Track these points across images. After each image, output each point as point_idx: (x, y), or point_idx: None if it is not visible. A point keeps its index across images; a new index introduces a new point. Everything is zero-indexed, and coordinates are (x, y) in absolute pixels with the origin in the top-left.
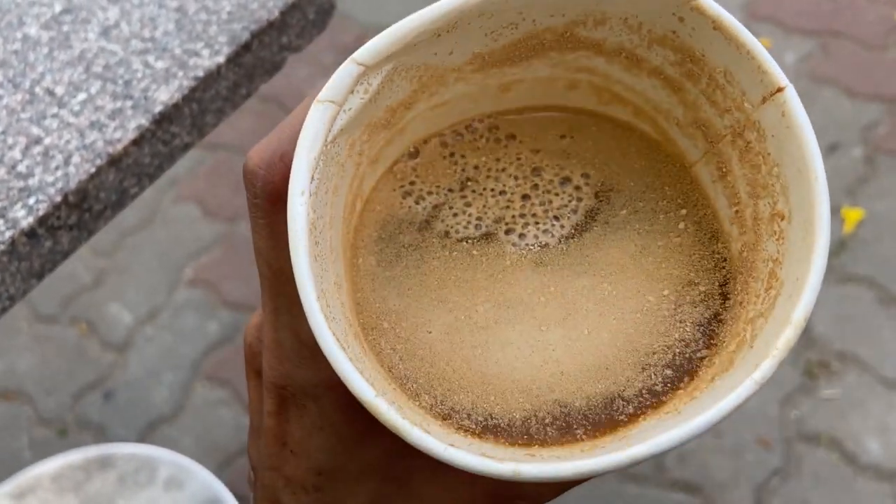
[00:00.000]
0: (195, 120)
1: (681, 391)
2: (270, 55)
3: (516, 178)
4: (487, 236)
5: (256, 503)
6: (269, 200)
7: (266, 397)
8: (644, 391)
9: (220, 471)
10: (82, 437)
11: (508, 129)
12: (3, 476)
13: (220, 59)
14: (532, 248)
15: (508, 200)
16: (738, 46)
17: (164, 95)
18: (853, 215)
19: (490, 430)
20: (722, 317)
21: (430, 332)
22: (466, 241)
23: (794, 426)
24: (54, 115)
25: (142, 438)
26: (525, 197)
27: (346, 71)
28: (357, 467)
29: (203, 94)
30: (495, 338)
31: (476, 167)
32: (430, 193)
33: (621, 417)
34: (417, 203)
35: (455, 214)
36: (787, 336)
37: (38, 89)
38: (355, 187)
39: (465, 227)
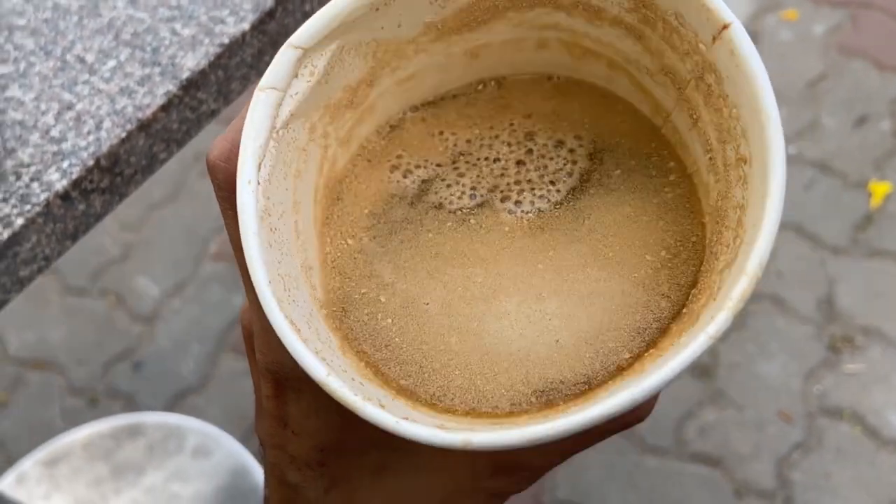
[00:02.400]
0: (221, 87)
1: (652, 350)
2: (294, 22)
3: (510, 144)
4: (482, 205)
5: (265, 476)
6: (233, 192)
7: (263, 381)
8: (626, 355)
9: (245, 439)
10: (112, 406)
11: (498, 94)
12: (35, 444)
13: (245, 25)
14: (529, 214)
15: (503, 168)
16: None
17: (191, 62)
18: (881, 189)
19: (476, 413)
20: (702, 269)
21: (427, 304)
22: (461, 212)
23: (817, 400)
24: (85, 82)
25: (170, 408)
26: (520, 163)
27: (285, 56)
28: (359, 441)
29: (228, 61)
30: (492, 309)
31: (468, 140)
32: (418, 167)
33: (597, 382)
34: (405, 177)
35: (448, 186)
36: (741, 287)
37: (69, 56)
38: (326, 169)
39: (460, 198)
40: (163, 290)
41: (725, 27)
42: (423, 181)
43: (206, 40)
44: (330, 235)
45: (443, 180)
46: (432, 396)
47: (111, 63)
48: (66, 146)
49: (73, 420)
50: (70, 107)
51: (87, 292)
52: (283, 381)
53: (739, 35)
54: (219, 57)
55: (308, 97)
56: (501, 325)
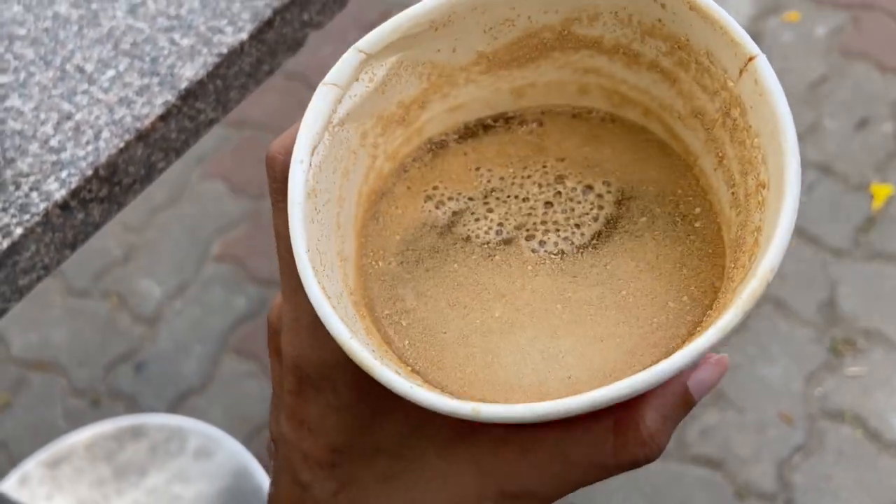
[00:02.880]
0: (219, 96)
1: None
2: (292, 32)
3: (540, 185)
4: (508, 242)
5: (275, 473)
6: (287, 184)
7: (286, 376)
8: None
9: (247, 441)
10: (114, 407)
11: (537, 135)
12: (38, 445)
13: (244, 35)
14: (552, 254)
15: (531, 207)
16: (713, 23)
17: (190, 72)
18: (882, 191)
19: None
20: (718, 296)
21: (444, 333)
22: (487, 246)
23: (818, 403)
24: (84, 92)
25: (172, 409)
26: (548, 204)
27: (349, 57)
28: (370, 445)
29: (227, 71)
30: (508, 343)
31: (502, 178)
32: (451, 199)
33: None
34: (438, 208)
35: (477, 220)
36: (752, 287)
37: (68, 66)
38: (371, 179)
39: (486, 233)
40: (165, 292)
41: (751, 59)
42: (454, 213)
43: (205, 50)
44: (363, 252)
45: (472, 214)
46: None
47: (110, 73)
48: (64, 156)
49: (75, 421)
50: (69, 117)
51: (89, 294)
52: (305, 378)
53: (764, 65)
54: (217, 67)
55: (364, 102)
56: (515, 359)
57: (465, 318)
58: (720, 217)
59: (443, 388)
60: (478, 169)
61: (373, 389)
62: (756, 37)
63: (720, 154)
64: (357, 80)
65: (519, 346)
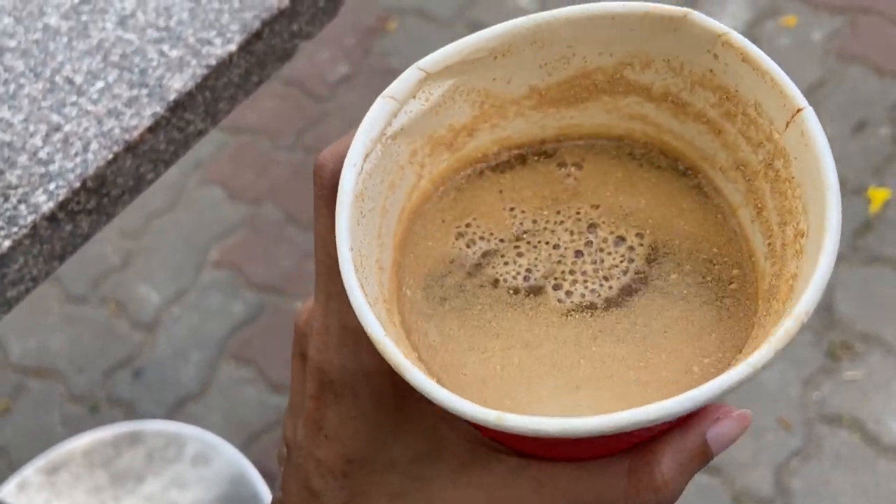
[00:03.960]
0: (208, 107)
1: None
2: (281, 42)
3: (572, 232)
4: (535, 289)
5: (285, 479)
6: (333, 191)
7: (308, 380)
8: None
9: (245, 447)
10: (112, 413)
11: (574, 179)
12: (36, 451)
13: (233, 47)
14: (578, 306)
15: (561, 255)
16: (763, 74)
17: (178, 83)
18: (879, 195)
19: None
20: (749, 340)
21: (464, 375)
22: (513, 292)
23: (816, 407)
24: (73, 104)
25: (170, 415)
26: (578, 253)
27: (409, 74)
28: (384, 460)
29: (216, 82)
30: (527, 393)
31: (534, 221)
32: (482, 238)
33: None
34: (468, 247)
35: (506, 263)
36: (786, 326)
37: (58, 78)
38: (414, 198)
39: (514, 278)
40: (163, 298)
41: (799, 111)
42: (484, 253)
43: (194, 61)
44: (399, 268)
45: (502, 256)
46: None
47: (99, 84)
48: (53, 168)
49: (73, 427)
50: (58, 128)
51: (87, 300)
52: (327, 384)
53: (811, 117)
54: (206, 78)
55: (418, 120)
56: (533, 409)
57: (486, 363)
58: (755, 272)
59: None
60: (512, 210)
61: (393, 403)
62: (753, 41)
63: (759, 206)
64: (414, 97)
65: (538, 396)
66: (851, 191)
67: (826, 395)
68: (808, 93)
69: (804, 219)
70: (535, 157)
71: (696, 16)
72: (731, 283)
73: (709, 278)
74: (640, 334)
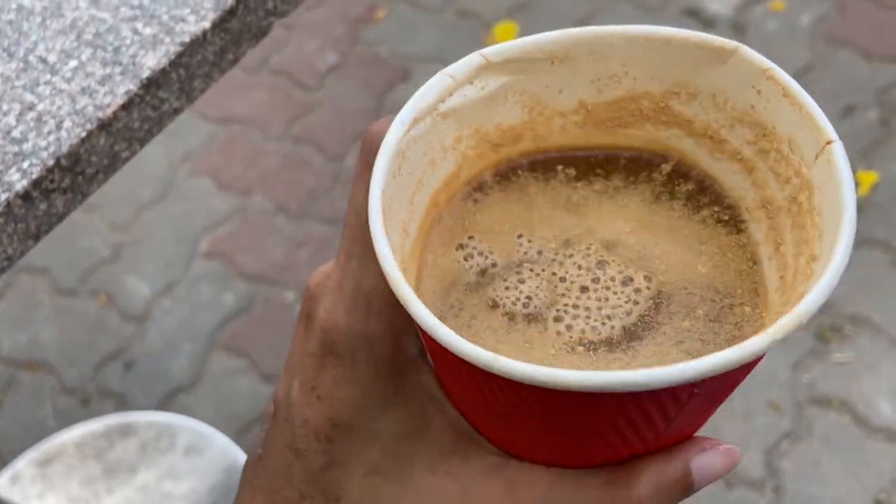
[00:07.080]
0: (183, 85)
1: None
2: (256, 20)
3: (580, 267)
4: (534, 317)
5: (268, 436)
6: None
7: (312, 339)
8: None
9: (237, 438)
10: (104, 405)
11: (591, 207)
12: (28, 444)
13: (206, 24)
14: (577, 341)
15: (566, 288)
16: (800, 108)
17: (152, 61)
18: (868, 178)
19: None
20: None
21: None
22: (512, 318)
23: (806, 390)
24: (47, 82)
25: (162, 407)
26: (583, 289)
27: (471, 58)
28: (369, 432)
29: (190, 60)
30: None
31: (540, 252)
32: (480, 255)
33: None
34: (466, 261)
35: (507, 288)
36: (783, 321)
37: (31, 57)
38: (450, 186)
39: (514, 304)
40: (153, 290)
41: (829, 143)
42: (481, 271)
43: (167, 39)
44: (421, 254)
45: (504, 280)
46: None
47: (73, 63)
48: (26, 147)
49: (65, 420)
50: (31, 107)
51: (77, 293)
52: (330, 345)
53: (839, 150)
54: (180, 56)
55: (470, 108)
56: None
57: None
58: (765, 306)
59: None
60: (520, 237)
61: (389, 374)
62: (741, 26)
63: (779, 241)
64: (471, 83)
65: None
66: None
67: (816, 378)
68: (797, 77)
69: (818, 245)
70: (563, 176)
71: (746, 50)
72: (742, 325)
73: (719, 322)
74: None
